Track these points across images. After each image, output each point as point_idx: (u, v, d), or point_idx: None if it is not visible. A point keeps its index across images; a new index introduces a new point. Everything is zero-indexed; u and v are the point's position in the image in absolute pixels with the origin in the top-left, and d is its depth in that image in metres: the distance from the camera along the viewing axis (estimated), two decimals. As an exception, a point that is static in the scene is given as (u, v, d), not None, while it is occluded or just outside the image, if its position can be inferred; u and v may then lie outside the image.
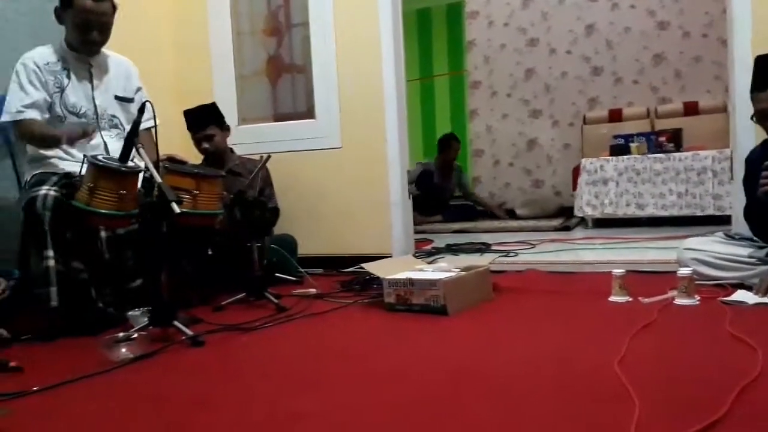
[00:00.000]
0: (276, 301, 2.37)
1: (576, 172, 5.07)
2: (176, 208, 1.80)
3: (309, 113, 3.51)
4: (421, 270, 2.43)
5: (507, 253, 3.42)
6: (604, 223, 4.79)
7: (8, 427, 1.23)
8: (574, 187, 5.02)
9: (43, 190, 2.11)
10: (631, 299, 2.18)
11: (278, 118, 3.60)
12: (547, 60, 6.39)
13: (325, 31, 3.39)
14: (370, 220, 3.34)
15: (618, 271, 2.23)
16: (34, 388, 1.48)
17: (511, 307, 2.25)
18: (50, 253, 2.07)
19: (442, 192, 5.86)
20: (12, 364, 1.67)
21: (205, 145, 3.01)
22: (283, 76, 3.61)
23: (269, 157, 2.61)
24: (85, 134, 2.16)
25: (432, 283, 2.14)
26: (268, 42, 3.63)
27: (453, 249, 3.67)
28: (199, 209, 2.10)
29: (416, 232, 3.76)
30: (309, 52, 3.47)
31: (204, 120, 3.01)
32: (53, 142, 2.26)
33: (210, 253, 2.65)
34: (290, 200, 3.35)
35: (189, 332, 1.90)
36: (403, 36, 3.39)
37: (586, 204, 4.77)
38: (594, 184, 4.75)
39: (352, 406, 1.31)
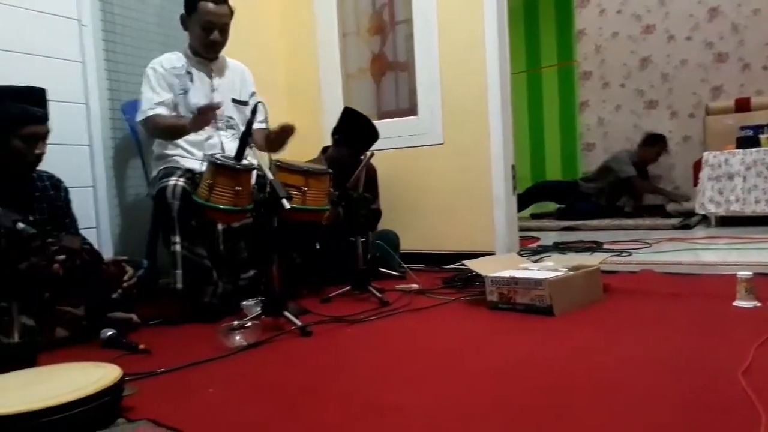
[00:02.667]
0: (379, 295, 2.41)
1: (697, 166, 4.73)
2: (286, 204, 1.89)
3: (411, 110, 3.53)
4: (525, 269, 2.38)
5: (620, 253, 3.27)
6: (729, 221, 4.43)
7: (136, 405, 1.34)
8: (695, 183, 4.69)
9: (172, 180, 2.29)
10: (759, 304, 2.00)
11: (382, 115, 3.65)
12: (665, 47, 6.00)
13: (429, 27, 3.39)
14: (473, 216, 3.30)
15: (744, 273, 2.05)
16: (160, 370, 1.61)
17: (622, 310, 2.14)
18: (177, 239, 2.25)
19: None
20: (141, 346, 1.81)
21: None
22: (386, 74, 3.66)
23: (372, 155, 2.66)
24: (205, 122, 2.31)
25: (537, 282, 2.08)
26: (372, 41, 3.70)
27: (561, 247, 3.56)
28: (307, 205, 2.19)
29: (521, 229, 3.67)
30: (412, 49, 3.49)
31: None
32: (180, 132, 2.45)
33: (318, 247, 2.74)
34: (393, 196, 3.39)
35: (298, 322, 1.98)
36: (508, 28, 3.32)
37: (708, 201, 4.44)
38: (718, 180, 4.41)
39: (451, 403, 1.31)
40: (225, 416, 1.30)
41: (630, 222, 4.86)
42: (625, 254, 3.24)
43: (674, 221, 4.64)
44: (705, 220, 4.61)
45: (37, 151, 1.96)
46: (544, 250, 3.51)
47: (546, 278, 2.08)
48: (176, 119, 2.47)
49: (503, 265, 2.40)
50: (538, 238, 4.09)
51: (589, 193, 5.56)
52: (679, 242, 3.65)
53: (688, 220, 4.66)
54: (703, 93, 5.84)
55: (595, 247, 3.52)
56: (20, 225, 1.56)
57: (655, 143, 5.58)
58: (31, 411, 1.14)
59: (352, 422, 1.23)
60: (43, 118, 1.97)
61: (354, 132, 2.99)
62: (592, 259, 2.75)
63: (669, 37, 5.98)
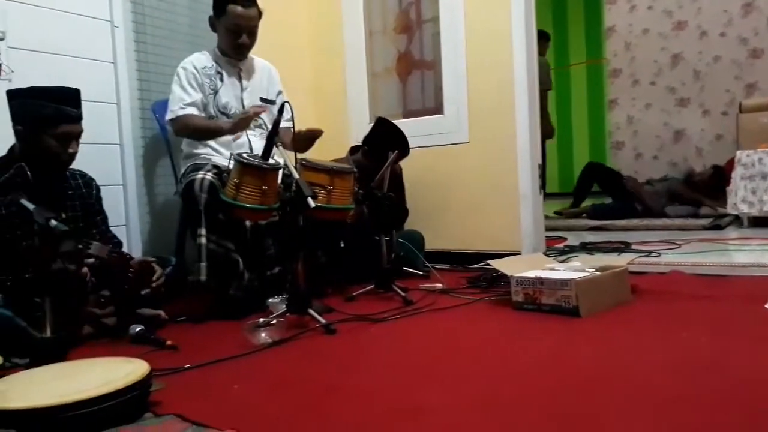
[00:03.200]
0: (403, 294, 2.41)
1: (729, 165, 4.63)
2: (311, 203, 1.91)
3: (437, 109, 3.52)
4: (552, 269, 2.35)
5: (648, 253, 3.21)
6: (762, 222, 4.32)
7: (163, 400, 1.36)
8: (728, 182, 4.59)
9: (200, 174, 2.32)
10: (793, 308, 1.95)
11: (407, 114, 3.65)
12: (697, 44, 5.89)
13: (456, 25, 3.38)
14: (499, 215, 3.28)
15: (778, 276, 2.01)
16: (187, 366, 1.63)
17: (651, 311, 2.11)
18: (203, 231, 2.28)
19: None
20: (168, 342, 1.84)
21: None
22: (412, 73, 3.66)
23: (397, 153, 2.66)
24: (246, 124, 2.33)
25: (563, 283, 2.06)
26: (398, 39, 3.70)
27: (588, 247, 3.51)
28: (332, 204, 2.20)
29: (548, 228, 3.63)
30: (439, 47, 3.47)
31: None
32: (215, 133, 2.47)
33: (342, 245, 2.76)
34: (418, 196, 3.39)
35: (322, 320, 1.99)
36: (536, 25, 3.29)
37: (741, 201, 4.33)
38: (751, 179, 4.30)
39: (475, 403, 1.31)
40: (250, 412, 1.32)
41: (659, 222, 4.77)
42: (653, 255, 3.19)
43: (705, 222, 4.54)
44: (737, 220, 4.50)
45: (70, 150, 2.01)
46: (571, 250, 3.47)
47: (572, 279, 2.06)
48: (209, 121, 2.50)
49: (529, 265, 2.38)
50: (564, 238, 4.04)
51: (633, 192, 5.34)
52: (709, 243, 3.58)
53: (720, 220, 4.56)
54: (736, 90, 5.72)
55: (623, 247, 3.47)
56: (53, 222, 1.59)
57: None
58: (63, 404, 1.18)
59: (376, 421, 1.23)
60: (77, 118, 2.02)
61: (381, 149, 2.90)
62: (619, 260, 2.71)
63: (701, 33, 5.86)
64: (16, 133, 1.98)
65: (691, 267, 2.81)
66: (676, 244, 3.56)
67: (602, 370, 1.49)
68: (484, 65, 3.30)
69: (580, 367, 1.52)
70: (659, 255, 3.19)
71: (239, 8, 2.52)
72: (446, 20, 3.42)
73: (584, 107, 6.70)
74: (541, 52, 5.50)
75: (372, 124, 3.13)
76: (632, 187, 5.32)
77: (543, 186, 3.34)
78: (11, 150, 2.03)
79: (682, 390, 1.31)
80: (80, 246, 1.83)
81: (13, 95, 1.97)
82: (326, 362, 1.70)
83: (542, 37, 5.46)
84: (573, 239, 3.92)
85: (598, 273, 2.20)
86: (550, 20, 6.77)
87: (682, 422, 1.15)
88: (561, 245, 3.69)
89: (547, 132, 5.51)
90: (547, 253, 3.20)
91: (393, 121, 3.15)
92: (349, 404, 1.34)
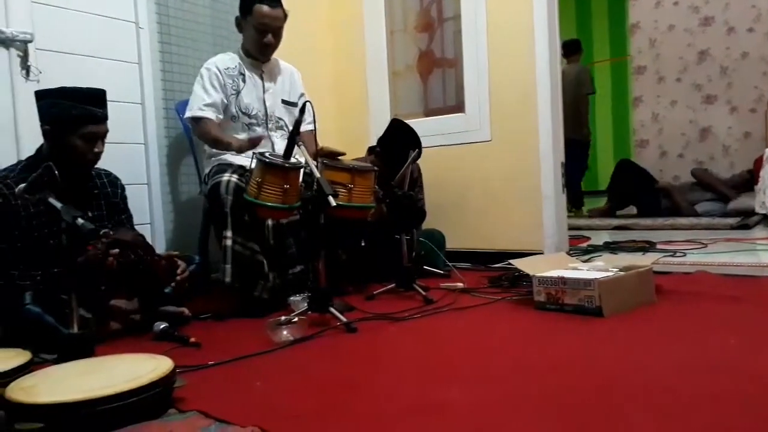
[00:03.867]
0: (424, 293, 2.41)
1: (758, 163, 4.54)
2: (332, 201, 1.92)
3: (459, 107, 3.51)
4: (574, 268, 2.33)
5: (673, 253, 3.17)
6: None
7: (187, 396, 1.38)
8: (756, 181, 4.50)
9: (225, 176, 2.35)
10: (824, 309, 1.91)
11: (428, 113, 3.64)
12: (724, 40, 5.78)
13: (478, 22, 3.36)
14: (521, 214, 3.26)
15: (808, 276, 1.96)
16: (209, 363, 1.65)
17: (675, 312, 2.07)
18: (229, 233, 2.31)
19: None
20: (192, 339, 1.86)
21: None
22: (434, 71, 3.65)
23: (417, 152, 2.65)
24: (253, 145, 2.35)
25: (586, 283, 2.04)
26: (419, 38, 3.69)
27: (612, 247, 3.47)
28: (353, 202, 2.21)
29: (571, 228, 3.60)
30: (460, 45, 3.46)
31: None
32: (224, 147, 2.50)
33: (363, 244, 2.76)
34: (439, 194, 3.38)
35: (344, 319, 2.00)
36: (559, 22, 3.26)
37: (770, 200, 4.25)
38: (780, 178, 4.22)
39: (497, 402, 1.30)
40: (271, 409, 1.32)
41: (684, 221, 4.70)
42: (678, 254, 3.14)
43: (732, 221, 4.46)
44: (765, 219, 4.41)
45: (96, 150, 2.04)
46: (595, 249, 3.43)
47: (596, 278, 2.03)
48: (223, 135, 2.51)
49: (551, 265, 2.36)
50: (588, 238, 4.00)
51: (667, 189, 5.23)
52: (736, 243, 3.51)
53: (747, 219, 4.47)
54: (765, 87, 5.60)
55: (647, 246, 3.42)
56: (79, 221, 1.62)
57: None
58: (90, 399, 1.20)
59: (397, 419, 1.23)
60: (103, 119, 2.05)
61: (394, 150, 2.88)
62: (644, 260, 2.68)
63: (729, 29, 5.76)
64: (44, 133, 2.02)
65: (718, 267, 2.76)
66: (702, 243, 3.50)
67: (625, 371, 1.47)
68: (506, 62, 3.28)
69: (603, 367, 1.51)
70: (685, 255, 3.14)
71: (266, 8, 2.55)
72: (468, 17, 3.40)
73: (608, 105, 6.63)
74: (577, 59, 5.49)
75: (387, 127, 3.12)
76: (664, 186, 5.25)
77: (565, 185, 3.28)
78: (39, 150, 2.07)
79: (706, 392, 1.28)
80: (105, 231, 1.87)
81: (41, 96, 2.02)
82: (347, 360, 1.71)
83: (577, 49, 5.46)
84: (596, 239, 3.88)
85: (621, 273, 2.17)
86: (574, 17, 6.71)
87: (706, 425, 1.13)
88: (584, 245, 3.66)
89: (585, 137, 5.48)
90: (570, 252, 3.17)
91: (413, 120, 3.13)
92: (371, 402, 1.34)
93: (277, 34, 2.63)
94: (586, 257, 3.01)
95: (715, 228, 4.26)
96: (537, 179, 3.19)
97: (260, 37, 2.59)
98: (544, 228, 3.19)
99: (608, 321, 1.96)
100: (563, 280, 2.11)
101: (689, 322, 1.93)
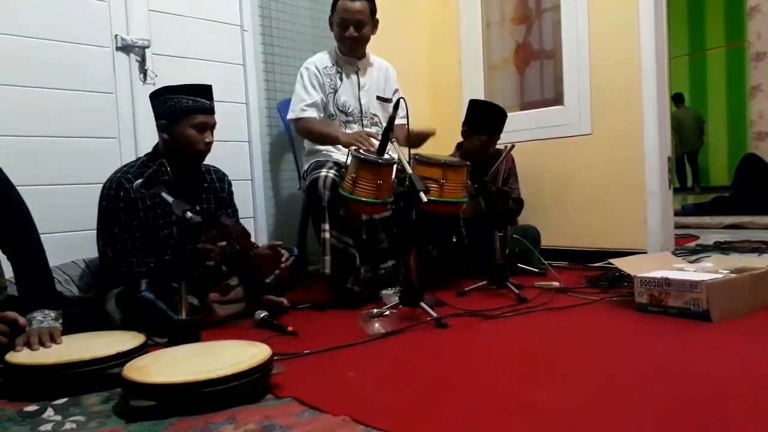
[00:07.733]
0: (517, 291, 2.37)
1: None
2: (424, 197, 1.93)
3: (557, 100, 3.40)
4: (680, 269, 2.20)
5: (794, 255, 2.91)
6: None
7: (283, 383, 1.44)
8: None
9: (323, 172, 2.43)
10: None
11: (525, 106, 3.56)
12: None
13: (578, 12, 3.24)
14: (623, 211, 3.11)
15: None
16: (305, 352, 1.71)
17: (795, 319, 1.91)
18: (327, 227, 2.38)
19: None
20: (289, 329, 1.94)
21: None
22: (530, 64, 3.56)
23: (512, 146, 2.61)
24: (361, 141, 2.41)
25: (693, 285, 1.92)
26: (516, 30, 3.61)
27: (722, 247, 3.25)
28: (445, 198, 2.21)
29: (678, 226, 3.39)
30: (559, 36, 3.35)
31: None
32: (331, 141, 2.58)
33: (454, 240, 2.75)
34: (535, 190, 3.30)
35: (434, 314, 2.01)
36: (667, 8, 3.07)
37: None
38: None
39: (593, 407, 1.25)
40: (363, 400, 1.36)
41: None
42: (802, 257, 2.88)
43: None
44: None
45: (206, 140, 2.17)
46: (703, 249, 3.22)
47: (703, 281, 1.91)
48: (327, 127, 2.60)
49: (655, 265, 2.24)
50: (696, 237, 3.76)
51: None
52: None
53: None
54: None
55: (763, 247, 3.17)
56: (188, 214, 1.73)
57: None
58: (197, 381, 1.29)
59: (488, 418, 1.23)
60: (211, 110, 2.19)
61: (481, 118, 2.94)
62: (759, 261, 2.48)
63: None
64: (159, 128, 2.18)
65: None
66: (831, 244, 3.19)
67: (731, 380, 1.37)
68: (608, 54, 3.14)
69: (707, 375, 1.42)
70: (809, 257, 2.88)
71: (346, 2, 2.62)
72: (568, 8, 3.29)
73: (722, 95, 6.16)
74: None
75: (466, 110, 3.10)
76: None
77: (671, 181, 3.10)
78: (155, 148, 2.24)
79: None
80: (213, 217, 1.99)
81: (154, 95, 2.19)
82: (438, 355, 1.72)
83: (681, 99, 5.22)
84: (705, 238, 3.63)
85: (733, 275, 2.03)
86: (685, 2, 6.28)
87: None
88: (692, 244, 3.45)
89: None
90: (677, 252, 2.99)
91: (509, 114, 3.08)
92: (461, 399, 1.34)
93: (359, 27, 2.66)
94: (694, 258, 2.83)
95: None
96: (641, 174, 3.04)
97: (342, 31, 2.66)
98: (648, 226, 3.03)
99: (717, 326, 1.84)
100: (667, 282, 2.00)
101: (812, 331, 1.77)
